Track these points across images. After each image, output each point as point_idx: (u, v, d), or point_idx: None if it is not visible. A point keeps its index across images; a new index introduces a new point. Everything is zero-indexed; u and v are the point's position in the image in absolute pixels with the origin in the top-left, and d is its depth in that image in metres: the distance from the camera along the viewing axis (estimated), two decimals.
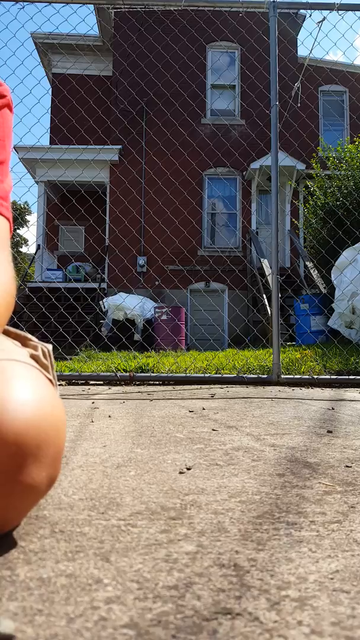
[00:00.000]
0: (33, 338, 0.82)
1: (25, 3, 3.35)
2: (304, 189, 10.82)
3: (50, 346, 0.84)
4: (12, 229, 0.82)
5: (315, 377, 3.02)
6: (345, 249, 5.74)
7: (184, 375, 3.16)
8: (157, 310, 8.63)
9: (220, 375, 3.16)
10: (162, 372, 3.37)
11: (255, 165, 11.66)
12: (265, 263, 9.91)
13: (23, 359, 0.72)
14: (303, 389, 2.86)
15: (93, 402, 2.22)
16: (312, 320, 7.32)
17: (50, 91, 12.84)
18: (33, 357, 0.77)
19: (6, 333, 0.81)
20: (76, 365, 3.90)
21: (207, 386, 3.00)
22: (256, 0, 3.25)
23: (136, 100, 11.50)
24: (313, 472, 0.99)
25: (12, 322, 7.39)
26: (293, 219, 12.12)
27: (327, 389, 2.86)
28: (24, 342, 0.81)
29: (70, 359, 5.03)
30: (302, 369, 3.37)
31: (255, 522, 0.71)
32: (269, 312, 7.92)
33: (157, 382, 3.17)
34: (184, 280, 10.93)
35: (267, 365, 3.40)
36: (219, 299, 11.64)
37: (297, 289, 10.24)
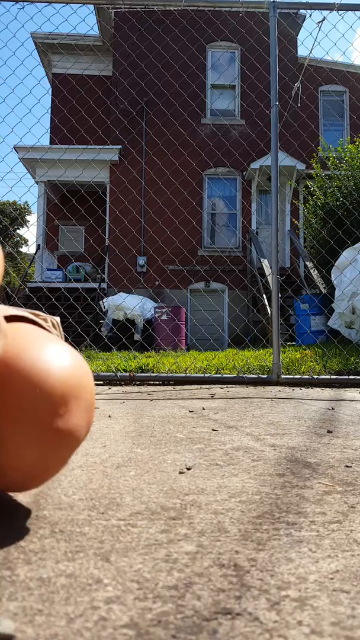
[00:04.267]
0: (40, 312, 0.87)
1: (25, 3, 3.35)
2: (304, 189, 10.81)
3: (57, 318, 0.89)
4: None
5: (315, 377, 3.02)
6: (345, 249, 5.74)
7: (184, 375, 3.16)
8: (157, 310, 8.63)
9: (220, 375, 3.15)
10: (162, 372, 3.37)
11: (255, 165, 11.66)
12: (265, 263, 9.91)
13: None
14: (303, 389, 2.86)
15: None
16: (312, 320, 7.32)
17: (50, 91, 12.84)
18: (43, 327, 0.82)
19: None
20: None
21: (207, 386, 3.00)
22: (256, 0, 3.25)
23: (136, 100, 11.50)
24: (313, 472, 0.99)
25: None
26: (293, 219, 12.12)
27: (327, 389, 2.86)
28: (34, 316, 0.86)
29: None
30: (302, 369, 3.36)
31: (255, 522, 0.71)
32: (269, 312, 7.92)
33: (157, 382, 3.17)
34: (184, 280, 10.93)
35: (267, 365, 3.40)
36: (219, 299, 11.65)
37: (297, 289, 10.24)
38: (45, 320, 0.85)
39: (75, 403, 0.63)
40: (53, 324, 0.85)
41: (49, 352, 0.65)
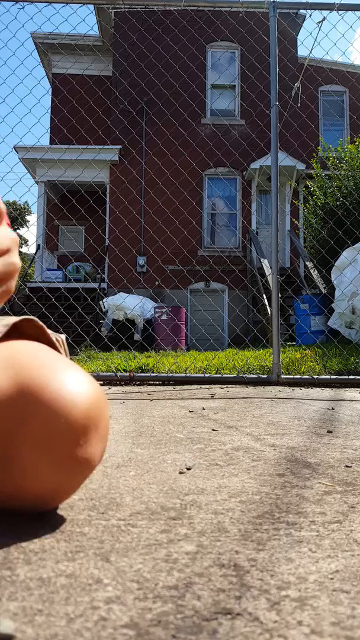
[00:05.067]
0: (47, 329, 0.87)
1: (25, 3, 3.35)
2: (304, 189, 10.82)
3: (63, 336, 0.91)
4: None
5: (315, 377, 3.02)
6: (345, 249, 5.75)
7: (184, 375, 3.16)
8: (157, 310, 8.63)
9: (220, 375, 3.15)
10: (162, 372, 3.37)
11: (255, 165, 11.66)
12: (265, 263, 9.91)
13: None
14: (303, 389, 2.86)
15: None
16: (312, 320, 7.32)
17: (50, 91, 12.84)
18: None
19: None
20: None
21: (207, 386, 3.00)
22: (256, 0, 3.25)
23: (136, 100, 11.50)
24: (313, 472, 0.99)
25: None
26: (293, 219, 12.12)
27: (327, 389, 2.86)
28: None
29: (71, 359, 5.02)
30: (302, 369, 3.37)
31: (255, 522, 0.71)
32: (269, 312, 7.92)
33: (157, 382, 3.17)
34: (184, 280, 10.93)
35: (267, 365, 3.40)
36: (219, 299, 11.64)
37: (297, 289, 10.24)
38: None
39: (94, 433, 0.67)
40: (58, 342, 0.87)
41: (72, 382, 0.68)
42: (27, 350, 0.72)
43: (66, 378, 0.68)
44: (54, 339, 0.85)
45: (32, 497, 0.65)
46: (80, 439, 0.64)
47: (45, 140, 14.45)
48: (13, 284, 0.70)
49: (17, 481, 0.63)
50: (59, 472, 0.63)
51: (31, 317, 0.81)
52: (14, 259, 0.69)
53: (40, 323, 0.83)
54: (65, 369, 0.70)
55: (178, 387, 2.95)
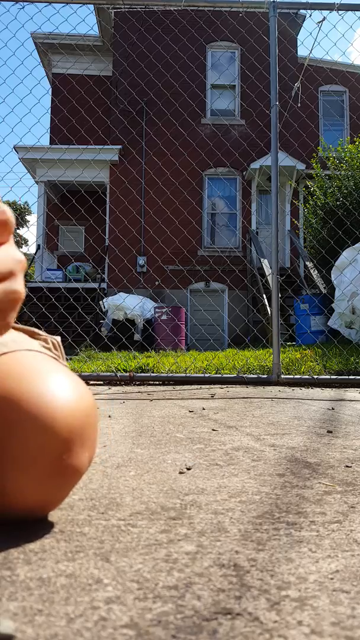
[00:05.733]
0: (40, 331, 0.85)
1: (25, 3, 3.35)
2: (304, 189, 10.82)
3: (58, 338, 0.88)
4: None
5: (315, 377, 3.02)
6: (345, 249, 5.75)
7: (184, 375, 3.16)
8: (157, 310, 8.63)
9: (220, 375, 3.15)
10: (162, 372, 3.37)
11: (255, 165, 11.66)
12: (265, 263, 9.91)
13: (39, 349, 0.77)
14: (303, 389, 2.86)
15: None
16: (312, 320, 7.32)
17: (50, 91, 12.84)
18: (44, 348, 0.81)
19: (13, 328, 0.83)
20: (76, 365, 3.90)
21: (207, 386, 3.00)
22: (256, 0, 3.25)
23: (136, 100, 11.50)
24: (313, 472, 0.99)
25: None
26: (293, 219, 12.12)
27: (327, 389, 2.86)
28: (32, 335, 0.84)
29: (70, 359, 5.03)
30: (302, 369, 3.37)
31: (255, 522, 0.71)
32: (269, 312, 7.92)
33: (157, 382, 3.17)
34: (184, 280, 10.92)
35: (267, 365, 3.40)
36: (219, 299, 11.64)
37: (297, 289, 10.24)
38: (45, 340, 0.84)
39: (78, 443, 0.64)
40: (54, 345, 0.84)
41: (54, 391, 0.64)
42: (11, 357, 0.70)
43: (47, 387, 0.65)
44: (49, 341, 0.83)
45: (18, 511, 0.64)
46: (63, 452, 0.61)
47: (45, 140, 14.46)
48: (13, 316, 0.56)
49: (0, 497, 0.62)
50: (42, 487, 0.61)
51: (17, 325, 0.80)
52: (17, 286, 0.54)
53: (29, 328, 0.81)
54: (48, 375, 0.67)
55: (178, 387, 2.95)
